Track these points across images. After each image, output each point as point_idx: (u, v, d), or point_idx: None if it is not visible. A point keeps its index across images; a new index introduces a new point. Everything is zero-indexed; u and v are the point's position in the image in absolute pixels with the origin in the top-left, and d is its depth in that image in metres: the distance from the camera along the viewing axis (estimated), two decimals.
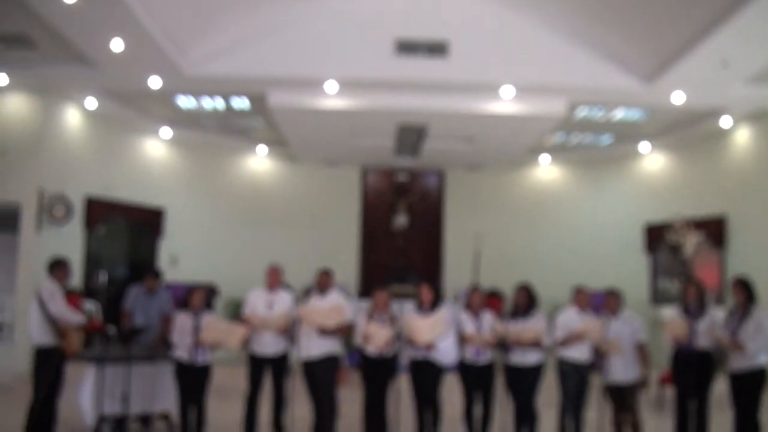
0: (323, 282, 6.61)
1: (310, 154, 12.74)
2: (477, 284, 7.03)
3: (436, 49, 8.74)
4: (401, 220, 13.30)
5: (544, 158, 13.07)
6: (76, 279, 9.63)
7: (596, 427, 6.01)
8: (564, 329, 6.23)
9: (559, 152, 12.75)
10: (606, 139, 11.88)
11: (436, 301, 6.38)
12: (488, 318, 6.38)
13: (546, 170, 13.45)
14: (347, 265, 12.96)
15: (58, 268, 6.04)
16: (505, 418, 6.05)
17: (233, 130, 11.96)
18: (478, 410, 6.32)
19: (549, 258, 12.89)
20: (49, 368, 5.60)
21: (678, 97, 9.21)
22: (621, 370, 6.16)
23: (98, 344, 8.65)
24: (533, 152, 12.48)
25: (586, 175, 13.15)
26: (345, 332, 6.53)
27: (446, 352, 6.20)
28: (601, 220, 12.85)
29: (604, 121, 10.66)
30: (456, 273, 12.69)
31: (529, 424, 6.21)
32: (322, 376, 6.37)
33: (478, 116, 9.81)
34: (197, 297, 6.20)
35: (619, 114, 10.39)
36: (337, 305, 6.41)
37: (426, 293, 6.36)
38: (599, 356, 6.19)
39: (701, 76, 8.48)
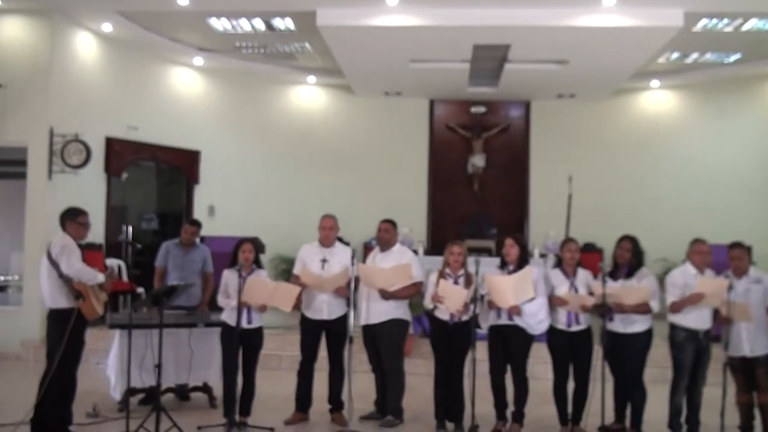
0: (386, 236, 6.64)
1: (368, 84, 12.67)
2: (570, 237, 6.92)
3: None
4: (478, 161, 13.19)
5: (653, 83, 12.74)
6: (97, 233, 9.85)
7: (717, 408, 5.91)
8: (678, 291, 6.10)
9: (671, 75, 12.40)
10: (732, 58, 11.42)
11: (522, 257, 6.34)
12: (584, 277, 6.32)
13: (655, 97, 13.11)
14: (414, 216, 12.97)
15: (73, 219, 6.05)
16: (603, 396, 6.01)
17: (277, 56, 11.98)
18: (571, 386, 6.31)
19: (657, 205, 12.68)
20: (63, 333, 5.73)
21: None
22: (749, 340, 6.03)
23: (126, 307, 8.99)
24: (639, 76, 12.13)
25: (705, 102, 12.76)
26: (412, 294, 6.59)
27: (534, 317, 6.18)
28: (723, 159, 12.51)
29: (730, 34, 10.21)
30: (544, 224, 12.56)
31: (634, 404, 6.17)
32: (385, 345, 6.47)
33: (572, 31, 9.53)
34: (247, 251, 6.32)
35: (750, 25, 9.92)
36: (403, 263, 6.44)
37: (510, 248, 6.32)
38: (721, 323, 6.06)
39: None
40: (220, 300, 6.38)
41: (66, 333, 5.73)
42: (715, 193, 12.40)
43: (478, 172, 13.28)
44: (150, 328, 6.32)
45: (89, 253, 6.77)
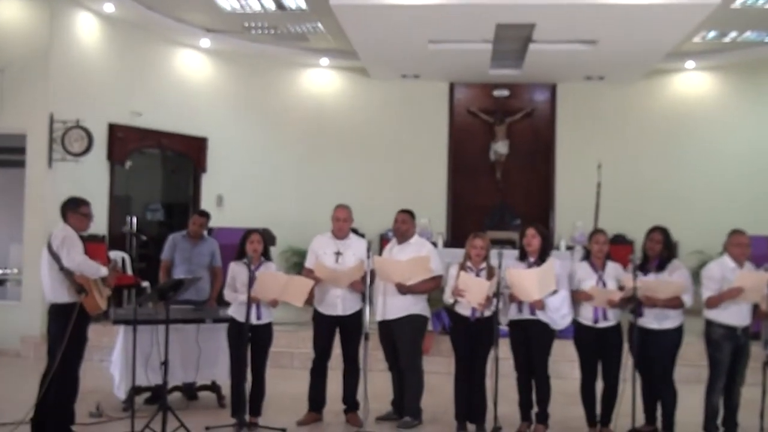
0: (403, 227, 6.63)
1: (384, 67, 12.64)
2: (599, 228, 6.89)
3: None
4: (500, 147, 13.17)
5: (688, 64, 12.65)
6: (100, 224, 9.92)
7: (756, 409, 5.86)
8: (715, 285, 6.05)
9: (708, 55, 12.32)
10: None
11: (545, 249, 6.33)
12: (613, 270, 6.29)
13: (690, 79, 13.03)
14: (433, 206, 12.98)
15: (74, 210, 6.06)
16: (634, 396, 5.98)
17: (288, 37, 11.97)
18: (599, 386, 6.29)
19: (692, 194, 12.63)
20: (65, 329, 5.76)
21: None
22: None
23: (131, 302, 9.03)
24: (673, 57, 12.03)
25: (744, 84, 12.66)
26: (431, 288, 6.59)
27: (557, 312, 6.17)
28: (763, 144, 12.40)
29: None
30: (570, 214, 12.52)
31: (665, 404, 6.14)
32: (403, 342, 6.47)
33: (601, 9, 9.46)
34: (255, 243, 6.32)
35: None
36: (421, 255, 6.43)
37: (532, 238, 6.30)
38: (761, 319, 6.00)
39: None
40: (227, 294, 6.38)
41: (68, 329, 5.75)
42: (756, 181, 12.30)
43: (501, 160, 13.23)
44: (156, 324, 6.35)
45: (91, 245, 6.79)
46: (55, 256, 5.84)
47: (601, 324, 6.20)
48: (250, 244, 6.30)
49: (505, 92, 13.33)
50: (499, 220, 12.57)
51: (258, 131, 12.97)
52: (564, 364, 7.88)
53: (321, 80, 13.43)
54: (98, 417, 6.61)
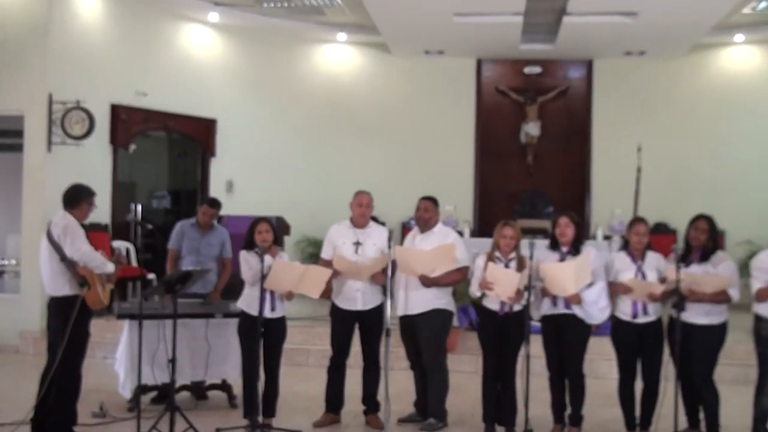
0: (426, 215, 6.62)
1: (406, 42, 12.64)
2: (639, 216, 6.86)
3: None
4: (532, 129, 13.14)
5: (737, 37, 12.54)
6: (102, 212, 9.99)
7: None
8: (766, 276, 6.00)
9: (759, 28, 12.22)
10: None
11: (579, 239, 6.32)
12: (653, 261, 6.26)
13: (738, 54, 12.94)
14: (459, 192, 13.00)
15: (77, 198, 6.11)
16: (677, 397, 5.97)
17: (303, 11, 11.97)
18: (639, 386, 6.28)
19: (741, 179, 12.56)
20: (66, 323, 5.81)
21: None
22: None
23: (136, 295, 9.08)
24: (721, 30, 11.96)
25: None
26: (457, 280, 6.59)
27: (595, 305, 6.16)
28: None
29: None
30: (608, 201, 12.46)
31: (707, 406, 6.13)
32: (426, 339, 6.48)
33: None
34: (264, 232, 6.32)
35: None
36: (446, 245, 6.43)
37: (566, 227, 6.29)
38: None
39: None
40: (245, 273, 6.34)
41: (69, 323, 5.79)
42: None
43: (533, 142, 13.20)
44: (163, 319, 6.37)
45: (94, 234, 6.81)
46: (55, 246, 5.87)
47: (641, 319, 6.18)
48: (258, 234, 6.28)
49: (537, 69, 13.27)
50: (530, 207, 12.52)
51: (271, 112, 13.00)
52: (600, 363, 7.88)
53: (338, 57, 13.44)
54: (102, 417, 6.67)
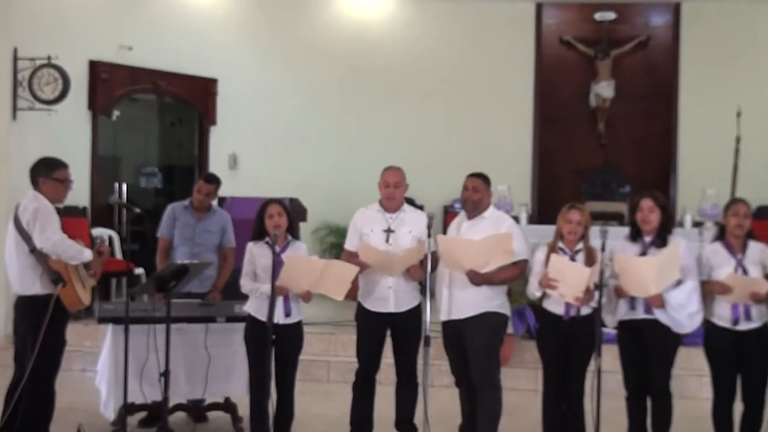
0: (475, 196, 6.56)
1: None
2: (738, 197, 6.79)
3: None
4: (604, 89, 13.10)
5: None
6: (80, 193, 9.99)
7: None
8: None
9: None
10: None
11: (666, 226, 6.25)
12: (757, 253, 6.21)
13: None
14: (514, 168, 12.93)
15: (48, 174, 6.10)
16: None
17: None
18: (738, 408, 6.23)
19: None
20: (37, 329, 5.81)
21: None
22: None
23: (121, 294, 9.13)
24: None
25: None
26: (513, 277, 6.54)
27: (682, 310, 6.10)
28: None
29: None
30: (699, 179, 12.33)
31: None
32: (475, 349, 6.44)
33: None
34: (276, 216, 6.30)
35: None
36: (499, 234, 6.39)
37: (649, 212, 6.21)
38: None
39: None
40: (245, 284, 6.38)
41: (41, 329, 5.82)
42: None
43: (605, 106, 13.18)
44: (153, 323, 6.40)
45: (69, 220, 6.88)
46: (24, 235, 5.90)
47: (743, 326, 6.13)
48: (269, 219, 6.26)
49: (611, 15, 13.23)
50: (602, 187, 12.49)
51: (282, 71, 12.97)
52: (690, 379, 7.84)
53: (363, 3, 13.41)
54: None
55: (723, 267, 6.18)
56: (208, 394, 7.17)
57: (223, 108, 12.49)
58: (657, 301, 6.03)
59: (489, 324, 6.43)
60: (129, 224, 10.62)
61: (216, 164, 12.18)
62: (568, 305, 6.18)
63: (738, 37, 12.99)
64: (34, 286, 5.94)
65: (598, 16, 13.21)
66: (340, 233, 9.16)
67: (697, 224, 11.01)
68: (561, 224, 6.33)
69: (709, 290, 6.17)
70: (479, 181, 6.58)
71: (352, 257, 6.54)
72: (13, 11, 9.81)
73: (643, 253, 6.18)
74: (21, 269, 5.98)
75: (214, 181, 7.79)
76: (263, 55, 12.89)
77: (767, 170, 11.82)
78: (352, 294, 6.50)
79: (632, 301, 6.16)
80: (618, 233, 6.48)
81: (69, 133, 10.44)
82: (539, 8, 13.37)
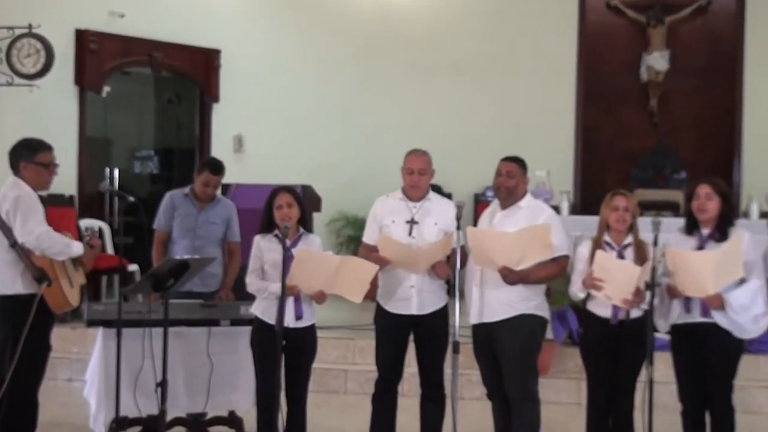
0: (509, 182, 6.54)
1: None
2: None
3: None
4: (657, 61, 13.07)
5: None
6: (67, 180, 10.07)
7: None
8: None
9: None
10: None
11: (727, 217, 6.22)
12: None
13: None
14: (554, 152, 12.95)
15: (29, 158, 6.12)
16: None
17: None
18: None
19: None
20: (18, 333, 5.83)
21: None
22: None
23: (113, 294, 9.16)
24: None
25: None
26: (552, 275, 6.53)
27: (745, 312, 6.07)
28: None
29: None
30: (764, 164, 12.36)
31: None
32: (510, 357, 6.44)
33: None
34: (286, 206, 6.30)
35: None
36: (537, 225, 6.37)
37: (707, 200, 6.17)
38: None
39: None
40: (251, 283, 6.39)
41: (22, 332, 5.85)
42: None
43: (658, 80, 13.19)
44: (149, 327, 6.41)
45: (55, 210, 6.88)
46: (3, 227, 5.93)
47: None
48: (278, 210, 6.27)
49: None
50: (654, 172, 12.47)
51: (294, 41, 13.00)
52: (755, 391, 7.80)
53: None
54: None
55: None
56: (211, 407, 7.16)
57: (227, 83, 12.52)
58: (716, 302, 5.98)
59: (525, 328, 6.41)
60: (121, 215, 10.55)
61: (219, 147, 12.25)
62: (615, 308, 6.17)
63: None
64: (15, 284, 5.97)
65: None
66: (358, 225, 9.16)
67: (764, 215, 10.97)
68: (606, 213, 6.31)
69: None
70: (514, 166, 6.57)
71: (371, 251, 6.52)
72: None
73: (700, 248, 6.14)
74: (0, 266, 6.01)
75: (218, 168, 7.69)
76: (272, 23, 12.91)
77: None
78: (371, 294, 6.50)
79: (688, 303, 6.11)
80: (672, 225, 6.47)
81: (53, 111, 10.49)
82: None
